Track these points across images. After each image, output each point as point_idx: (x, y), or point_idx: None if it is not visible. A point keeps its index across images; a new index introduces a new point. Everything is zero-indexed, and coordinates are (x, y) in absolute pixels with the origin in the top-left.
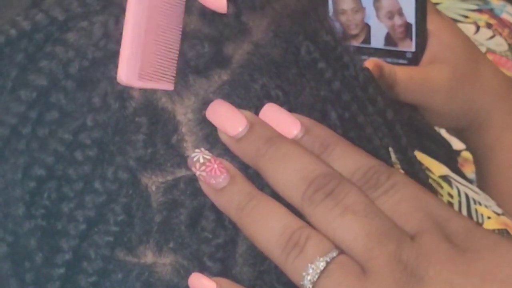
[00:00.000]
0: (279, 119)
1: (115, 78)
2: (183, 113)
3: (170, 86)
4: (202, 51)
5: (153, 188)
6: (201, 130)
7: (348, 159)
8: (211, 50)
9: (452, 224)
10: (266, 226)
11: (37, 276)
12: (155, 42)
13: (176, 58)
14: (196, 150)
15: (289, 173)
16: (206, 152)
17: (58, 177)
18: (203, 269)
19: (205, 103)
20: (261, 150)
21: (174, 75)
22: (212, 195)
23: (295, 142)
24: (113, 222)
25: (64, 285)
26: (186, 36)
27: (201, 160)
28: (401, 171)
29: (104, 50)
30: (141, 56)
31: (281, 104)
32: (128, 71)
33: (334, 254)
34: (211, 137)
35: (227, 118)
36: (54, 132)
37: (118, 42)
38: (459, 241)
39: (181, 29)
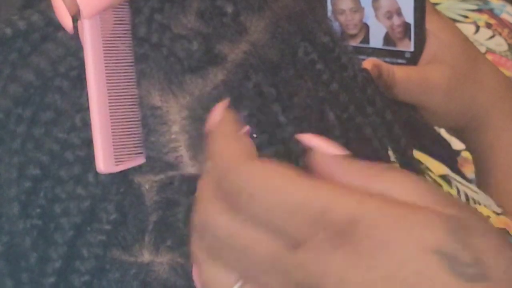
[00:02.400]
0: None
1: None
2: (177, 112)
3: (142, 159)
4: (192, 50)
5: (146, 186)
6: (194, 129)
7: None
8: (200, 48)
9: (332, 215)
10: None
11: (31, 275)
12: (120, 123)
13: (139, 130)
14: None
15: None
16: None
17: (53, 176)
18: None
19: (200, 102)
20: None
21: (142, 147)
22: None
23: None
24: (105, 221)
25: (58, 284)
26: (174, 38)
27: None
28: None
29: None
30: (113, 141)
31: (273, 102)
32: (105, 160)
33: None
34: (204, 136)
35: None
36: (49, 131)
37: None
38: (346, 238)
39: (136, 100)
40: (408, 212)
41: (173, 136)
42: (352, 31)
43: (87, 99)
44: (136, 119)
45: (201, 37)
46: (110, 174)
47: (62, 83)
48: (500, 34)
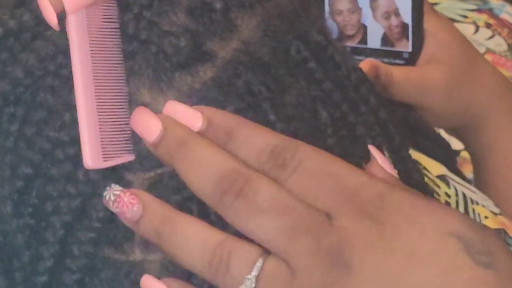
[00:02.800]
0: (180, 114)
1: None
2: None
3: (131, 157)
4: (180, 46)
5: (137, 183)
6: None
7: (252, 143)
8: (189, 44)
9: (364, 192)
10: (186, 249)
11: (24, 274)
12: (108, 120)
13: (129, 128)
14: (107, 187)
15: (198, 176)
16: (116, 187)
17: (44, 175)
18: None
19: (189, 97)
20: (173, 154)
21: (131, 144)
22: (132, 227)
23: (204, 141)
24: (95, 219)
25: (51, 282)
26: (162, 34)
27: (112, 198)
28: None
29: None
30: (100, 137)
31: (263, 100)
32: (92, 155)
33: (260, 264)
34: None
35: (145, 125)
36: (41, 130)
37: None
38: (374, 209)
39: (126, 97)
40: (432, 200)
41: None
42: (350, 32)
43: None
44: (126, 116)
45: (189, 34)
46: (100, 172)
47: (53, 82)
48: (499, 34)
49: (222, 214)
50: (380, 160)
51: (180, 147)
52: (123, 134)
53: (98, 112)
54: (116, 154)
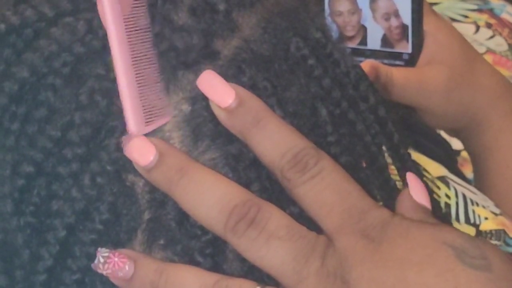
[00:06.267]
0: (215, 87)
1: (102, 75)
2: (170, 109)
3: (168, 117)
4: (191, 43)
5: (140, 184)
6: (188, 125)
7: (280, 138)
8: (200, 43)
9: (369, 216)
10: None
11: (24, 272)
12: (145, 83)
13: (162, 88)
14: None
15: (207, 205)
16: (103, 250)
17: (47, 174)
18: (194, 265)
19: (192, 97)
20: (173, 181)
21: (167, 104)
22: (126, 285)
23: (207, 169)
24: (98, 221)
25: (50, 281)
26: (176, 30)
27: (102, 260)
28: (393, 168)
29: (89, 46)
30: (140, 101)
31: (268, 96)
32: (136, 120)
33: None
34: (197, 131)
35: (137, 150)
36: (42, 128)
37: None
38: (375, 233)
39: (155, 60)
40: (432, 223)
41: (166, 134)
42: (350, 33)
43: (87, 96)
44: (157, 79)
45: (199, 32)
46: (106, 175)
47: (54, 81)
48: (500, 34)
49: (232, 242)
50: (414, 188)
51: (181, 174)
52: (159, 97)
53: (137, 79)
54: (156, 117)
